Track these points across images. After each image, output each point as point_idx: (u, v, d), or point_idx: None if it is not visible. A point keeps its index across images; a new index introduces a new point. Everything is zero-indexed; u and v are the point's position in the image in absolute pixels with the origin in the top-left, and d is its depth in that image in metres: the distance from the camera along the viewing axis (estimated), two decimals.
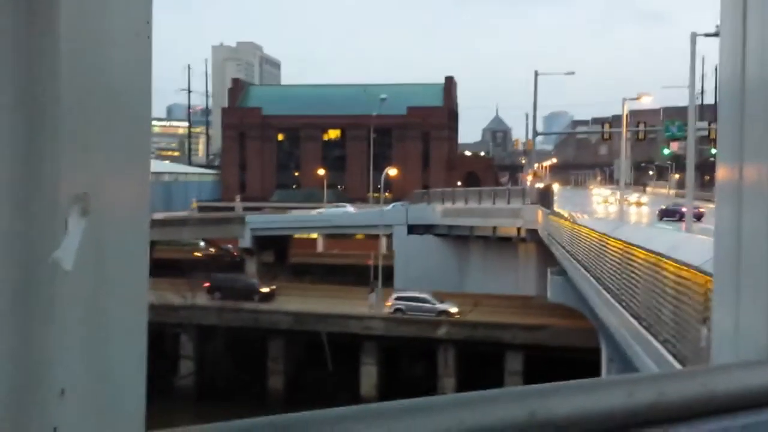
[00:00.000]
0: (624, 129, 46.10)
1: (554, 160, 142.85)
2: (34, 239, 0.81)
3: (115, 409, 0.91)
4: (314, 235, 74.25)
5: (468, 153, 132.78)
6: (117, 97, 0.92)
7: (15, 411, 0.79)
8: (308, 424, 0.92)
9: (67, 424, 0.82)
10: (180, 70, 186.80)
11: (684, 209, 36.46)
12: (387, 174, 55.11)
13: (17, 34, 0.81)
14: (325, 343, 39.19)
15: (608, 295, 18.75)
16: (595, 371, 25.15)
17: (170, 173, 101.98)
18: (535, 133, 61.62)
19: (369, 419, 0.94)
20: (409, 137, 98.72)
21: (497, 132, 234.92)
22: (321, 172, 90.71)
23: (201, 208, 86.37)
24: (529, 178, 66.16)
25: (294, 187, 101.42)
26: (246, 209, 76.43)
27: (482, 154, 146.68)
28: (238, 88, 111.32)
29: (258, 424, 0.92)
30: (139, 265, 0.96)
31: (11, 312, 0.79)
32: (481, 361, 37.29)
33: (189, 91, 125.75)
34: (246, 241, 59.46)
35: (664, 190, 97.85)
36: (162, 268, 56.09)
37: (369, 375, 38.92)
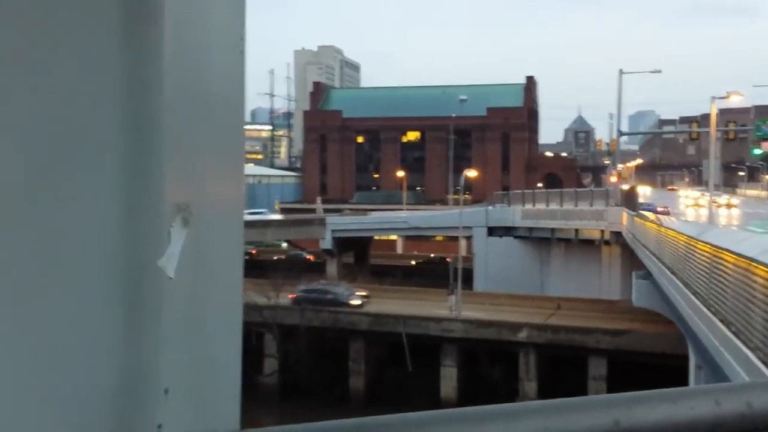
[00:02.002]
0: (713, 128, 44.56)
1: (640, 161, 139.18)
2: (141, 248, 0.84)
3: (213, 406, 0.95)
4: (394, 237, 74.64)
5: (549, 154, 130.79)
6: (214, 109, 0.95)
7: (123, 409, 0.83)
8: (393, 428, 0.92)
9: (170, 421, 0.85)
10: (264, 74, 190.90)
11: None
12: (466, 175, 54.85)
13: (124, 52, 0.83)
14: (405, 344, 39.38)
15: (696, 300, 18.25)
16: (682, 378, 24.47)
17: (253, 176, 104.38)
18: (620, 133, 60.20)
19: (453, 424, 0.94)
20: (489, 138, 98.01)
21: (580, 132, 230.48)
22: (400, 173, 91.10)
23: (283, 210, 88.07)
24: (613, 179, 64.68)
25: (373, 188, 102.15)
26: (326, 211, 77.54)
27: (564, 154, 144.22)
28: (319, 91, 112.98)
29: (346, 425, 0.92)
30: (234, 270, 1.00)
31: (121, 316, 0.83)
32: (563, 366, 36.75)
33: (272, 95, 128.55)
34: (327, 243, 60.28)
35: (755, 192, 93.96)
36: (246, 268, 57.68)
37: (449, 377, 38.89)
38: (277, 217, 73.40)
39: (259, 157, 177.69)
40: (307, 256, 66.44)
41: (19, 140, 0.79)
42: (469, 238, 56.42)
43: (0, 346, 0.78)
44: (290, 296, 42.76)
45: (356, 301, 42.80)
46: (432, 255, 69.68)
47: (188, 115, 0.90)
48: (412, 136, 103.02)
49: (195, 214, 0.90)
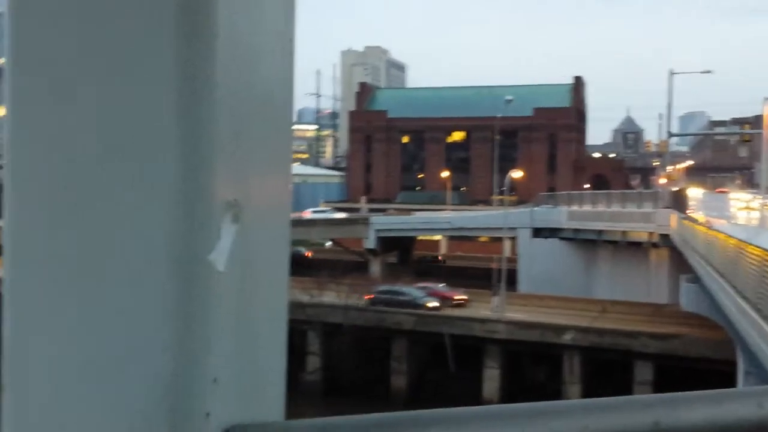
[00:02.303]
0: (766, 130, 43.51)
1: (690, 163, 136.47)
2: (193, 243, 0.87)
3: (259, 396, 0.98)
4: (438, 237, 74.53)
5: (596, 155, 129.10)
6: (264, 109, 0.98)
7: (174, 397, 0.86)
8: (436, 422, 0.92)
9: (218, 410, 0.89)
10: (310, 75, 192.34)
11: None
12: (511, 176, 54.48)
13: (179, 51, 0.86)
14: (448, 344, 39.30)
15: (746, 305, 17.86)
16: (730, 384, 23.97)
17: (299, 175, 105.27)
18: (669, 134, 59.17)
19: (492, 420, 0.94)
20: (535, 139, 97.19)
21: (628, 133, 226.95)
22: (445, 174, 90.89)
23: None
24: (663, 180, 63.56)
25: (418, 188, 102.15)
26: (371, 210, 77.78)
27: (612, 155, 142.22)
28: (364, 91, 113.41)
29: (389, 419, 0.94)
30: (280, 265, 1.03)
31: (173, 308, 0.86)
32: (608, 369, 36.26)
33: (318, 96, 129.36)
34: (370, 242, 60.50)
35: None
36: (291, 266, 58.12)
37: (492, 378, 38.71)
38: (341, 215, 72.80)
39: (305, 156, 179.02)
40: (306, 253, 66.80)
41: (81, 140, 0.84)
42: (513, 239, 56.04)
43: (63, 336, 0.84)
44: (366, 297, 42.55)
45: (432, 303, 41.91)
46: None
47: (239, 114, 0.92)
48: (457, 136, 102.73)
49: (244, 210, 0.92)
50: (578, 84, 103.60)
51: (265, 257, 0.99)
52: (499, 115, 78.82)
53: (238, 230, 0.91)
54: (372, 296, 42.58)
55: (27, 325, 0.85)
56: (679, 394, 1.06)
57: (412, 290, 43.77)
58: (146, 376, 0.86)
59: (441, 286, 46.03)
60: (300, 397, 33.32)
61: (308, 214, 71.89)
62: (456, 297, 43.96)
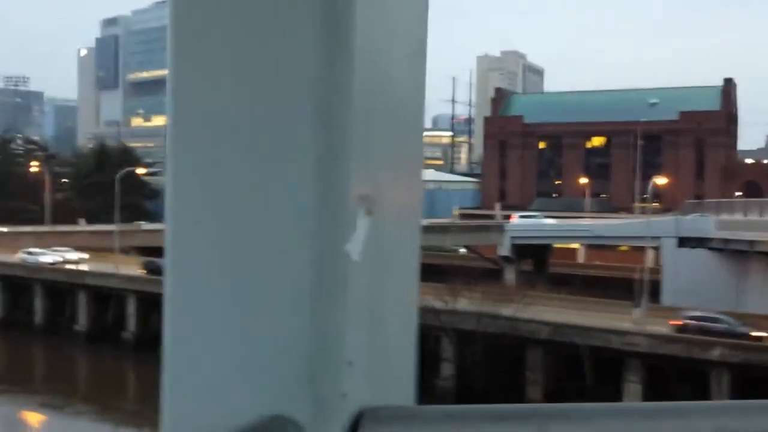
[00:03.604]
0: None
1: None
2: (330, 233, 0.91)
3: (391, 380, 1.02)
4: (575, 245, 72.53)
5: (749, 161, 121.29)
6: (396, 108, 1.01)
7: (311, 379, 0.91)
8: (560, 416, 0.92)
9: (353, 391, 0.93)
10: (446, 81, 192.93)
11: None
12: (655, 183, 52.16)
13: (318, 49, 0.90)
14: (585, 356, 38.14)
15: None
16: None
17: (433, 181, 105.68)
18: None
19: (624, 418, 0.93)
20: (682, 144, 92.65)
21: None
22: (583, 180, 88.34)
23: (462, 216, 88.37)
24: None
25: (554, 195, 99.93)
26: (505, 217, 76.84)
27: (766, 161, 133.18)
28: (500, 97, 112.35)
29: (517, 410, 0.94)
30: (411, 258, 1.07)
31: (311, 294, 0.91)
32: (760, 388, 33.92)
33: (453, 102, 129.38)
34: (505, 249, 59.77)
35: None
36: (424, 273, 58.28)
37: (632, 393, 37.15)
38: (551, 221, 67.96)
39: (440, 163, 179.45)
40: None
41: (231, 145, 0.91)
42: (656, 249, 53.63)
43: (216, 326, 0.92)
44: (673, 323, 39.14)
45: (759, 333, 37.47)
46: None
47: (372, 114, 0.95)
48: (597, 141, 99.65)
49: (377, 204, 0.96)
50: (729, 86, 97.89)
51: (397, 249, 1.03)
52: (643, 119, 75.77)
53: (371, 223, 0.95)
54: (681, 323, 38.81)
55: (183, 316, 0.93)
56: None
57: (728, 318, 39.17)
58: (289, 359, 0.91)
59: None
60: (433, 402, 33.31)
61: (515, 218, 67.87)
62: (754, 333, 38.14)
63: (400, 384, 1.04)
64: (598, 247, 69.68)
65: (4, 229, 76.44)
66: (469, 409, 0.94)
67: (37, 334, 51.98)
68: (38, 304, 53.79)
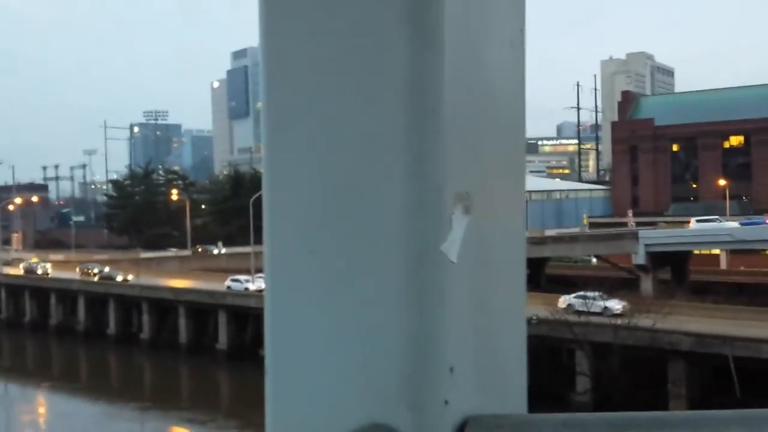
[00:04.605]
0: None
1: None
2: (426, 233, 0.88)
3: (498, 388, 0.97)
4: (716, 251, 68.74)
5: None
6: (493, 102, 0.97)
7: (411, 384, 0.88)
8: (682, 424, 0.86)
9: (457, 398, 0.89)
10: (568, 88, 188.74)
11: None
12: None
13: (406, 42, 0.88)
14: (733, 368, 35.99)
15: None
16: None
17: (561, 190, 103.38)
18: None
19: (745, 425, 0.85)
20: None
21: None
22: (722, 182, 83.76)
23: (592, 225, 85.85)
24: None
25: (691, 199, 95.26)
26: (639, 224, 73.93)
27: None
28: (627, 100, 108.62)
29: (632, 418, 0.87)
30: (517, 260, 1.02)
31: (406, 297, 0.88)
32: None
33: (578, 109, 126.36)
34: (640, 258, 57.44)
35: None
36: (555, 283, 56.92)
37: None
38: (734, 225, 62.23)
39: (567, 171, 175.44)
40: None
41: (326, 146, 0.90)
42: None
43: (313, 327, 0.91)
44: None
45: None
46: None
47: (467, 109, 0.92)
48: (735, 140, 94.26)
49: (476, 203, 0.92)
50: None
51: (500, 251, 0.98)
52: None
53: (470, 222, 0.91)
54: None
55: (283, 325, 0.92)
56: None
57: None
58: (386, 364, 0.88)
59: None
60: None
61: (692, 223, 64.27)
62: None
63: (510, 391, 1.00)
64: (742, 252, 65.70)
65: (151, 255, 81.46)
66: (587, 417, 0.87)
67: (181, 353, 54.83)
68: (182, 324, 56.72)
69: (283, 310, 0.92)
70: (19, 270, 72.53)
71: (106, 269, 67.29)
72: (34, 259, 76.87)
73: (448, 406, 0.88)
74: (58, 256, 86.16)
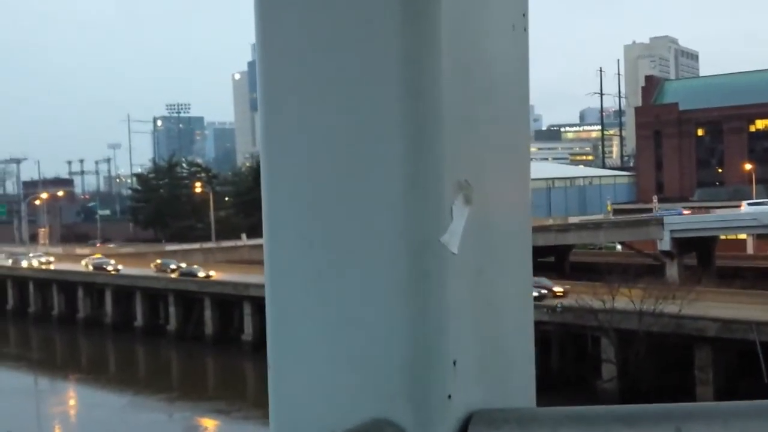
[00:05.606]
0: None
1: None
2: (425, 224, 0.86)
3: (505, 382, 0.95)
4: (743, 236, 67.95)
5: None
6: (495, 89, 0.94)
7: (414, 377, 0.86)
8: (691, 416, 0.84)
9: (460, 393, 0.87)
10: (591, 74, 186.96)
11: None
12: None
13: (402, 27, 0.86)
14: (760, 353, 35.67)
15: None
16: None
17: (584, 177, 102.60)
18: None
19: (751, 417, 0.83)
20: None
21: None
22: (748, 166, 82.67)
23: (616, 211, 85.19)
24: None
25: (717, 184, 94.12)
26: (664, 210, 73.19)
27: None
28: (651, 85, 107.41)
29: (638, 411, 0.87)
30: (523, 251, 0.99)
31: (406, 290, 0.86)
32: None
33: (601, 94, 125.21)
34: (665, 244, 56.95)
35: None
36: (579, 271, 56.57)
37: None
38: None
39: (590, 158, 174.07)
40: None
41: (321, 135, 0.89)
42: None
43: (312, 321, 0.90)
44: None
45: None
46: None
47: (467, 94, 0.89)
48: (761, 124, 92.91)
49: (477, 192, 0.90)
50: None
51: (504, 241, 0.96)
52: None
53: (472, 212, 0.89)
54: None
55: (283, 318, 0.91)
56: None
57: None
58: (387, 358, 0.86)
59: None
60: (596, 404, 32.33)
61: (743, 207, 62.77)
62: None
63: (516, 385, 0.97)
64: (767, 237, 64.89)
65: (175, 248, 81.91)
66: (596, 410, 0.86)
67: (207, 344, 55.34)
68: (208, 316, 57.18)
69: (283, 304, 0.91)
70: (87, 267, 67.82)
71: (183, 265, 63.17)
72: (97, 255, 72.70)
73: (452, 401, 0.86)
74: (84, 250, 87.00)
